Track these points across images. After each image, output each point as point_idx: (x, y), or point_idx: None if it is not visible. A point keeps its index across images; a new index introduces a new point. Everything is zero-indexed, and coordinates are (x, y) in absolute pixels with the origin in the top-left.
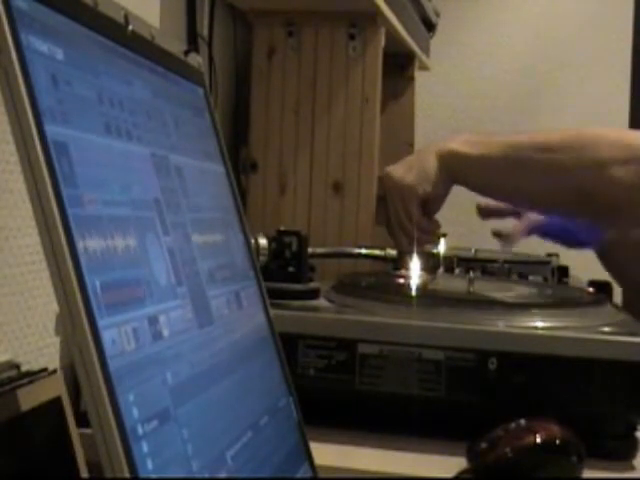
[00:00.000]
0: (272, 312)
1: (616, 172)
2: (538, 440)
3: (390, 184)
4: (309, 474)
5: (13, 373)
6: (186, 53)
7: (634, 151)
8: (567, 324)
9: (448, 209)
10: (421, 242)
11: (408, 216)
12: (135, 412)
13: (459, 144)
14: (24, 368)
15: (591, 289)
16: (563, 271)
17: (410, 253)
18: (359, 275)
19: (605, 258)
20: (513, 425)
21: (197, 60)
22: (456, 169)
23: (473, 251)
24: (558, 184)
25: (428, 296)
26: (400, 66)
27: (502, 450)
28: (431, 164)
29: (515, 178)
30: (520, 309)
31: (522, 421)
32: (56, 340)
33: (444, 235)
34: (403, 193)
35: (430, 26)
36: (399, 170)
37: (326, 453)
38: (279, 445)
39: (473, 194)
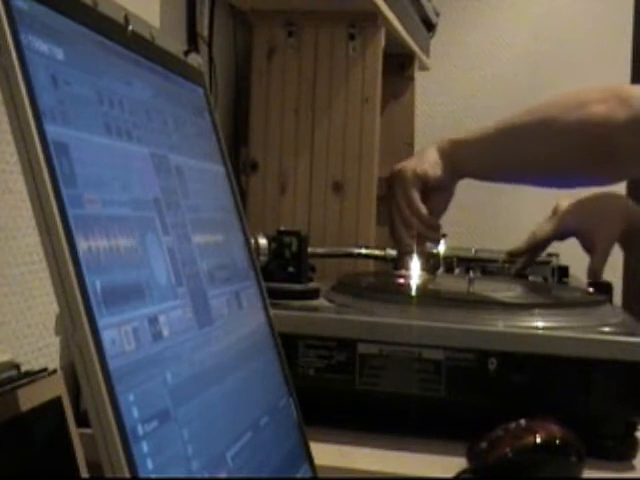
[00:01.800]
0: (272, 312)
1: (597, 108)
2: (538, 440)
3: (393, 174)
4: (309, 474)
5: (13, 373)
6: (186, 53)
7: (612, 91)
8: (567, 324)
9: (449, 209)
10: (421, 237)
11: (408, 201)
12: (135, 412)
13: (456, 135)
14: (24, 368)
15: (591, 289)
16: (563, 271)
17: (410, 251)
18: (359, 275)
19: (625, 245)
20: (513, 425)
21: (197, 60)
22: (455, 155)
23: (473, 251)
24: (551, 136)
25: (428, 296)
26: (400, 66)
27: (502, 450)
28: (430, 151)
29: (511, 147)
30: (520, 309)
31: (522, 421)
32: (56, 340)
33: (444, 235)
34: (402, 174)
35: (430, 26)
36: (403, 162)
37: (326, 453)
38: (279, 445)
39: (473, 194)
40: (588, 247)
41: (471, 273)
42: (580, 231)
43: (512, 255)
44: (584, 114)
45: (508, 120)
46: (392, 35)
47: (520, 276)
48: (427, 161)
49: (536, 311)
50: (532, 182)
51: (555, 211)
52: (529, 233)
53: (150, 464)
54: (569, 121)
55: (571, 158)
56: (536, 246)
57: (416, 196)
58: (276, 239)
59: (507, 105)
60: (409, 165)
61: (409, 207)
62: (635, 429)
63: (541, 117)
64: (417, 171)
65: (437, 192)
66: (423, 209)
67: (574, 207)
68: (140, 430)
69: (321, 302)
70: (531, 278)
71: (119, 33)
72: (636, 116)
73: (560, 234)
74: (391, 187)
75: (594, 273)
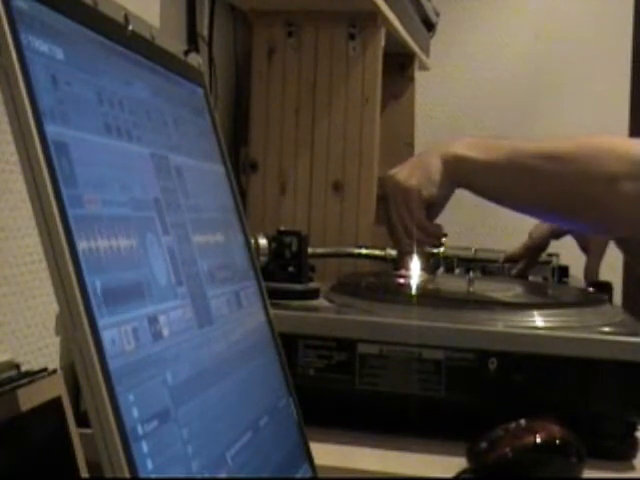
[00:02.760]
0: (272, 312)
1: (625, 187)
2: (538, 440)
3: (393, 186)
4: (309, 474)
5: (13, 373)
6: (186, 53)
7: None
8: (567, 324)
9: (448, 209)
10: (422, 243)
11: (412, 219)
12: (135, 412)
13: (463, 148)
14: (24, 368)
15: (591, 289)
16: (563, 271)
17: (410, 251)
18: (359, 275)
19: (621, 243)
20: (513, 425)
21: (197, 60)
22: (461, 174)
23: (473, 251)
24: (565, 195)
25: (428, 296)
26: (400, 66)
27: (502, 450)
28: (435, 168)
29: (520, 186)
30: (520, 309)
31: (522, 421)
32: (56, 340)
33: (444, 235)
34: (407, 195)
35: (430, 26)
36: (403, 172)
37: (326, 453)
38: (279, 445)
39: (473, 194)
40: (584, 246)
41: (471, 273)
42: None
43: (510, 260)
44: (610, 191)
45: (522, 154)
46: (392, 35)
47: (520, 276)
48: (432, 180)
49: (536, 311)
50: (532, 216)
51: None
52: (528, 234)
53: (150, 464)
54: (592, 191)
55: (586, 224)
56: (534, 248)
57: (422, 217)
58: (276, 239)
59: (507, 105)
60: (413, 182)
61: (414, 224)
62: (635, 429)
63: (559, 172)
64: (424, 194)
65: (437, 200)
66: (429, 226)
67: None
68: (140, 430)
69: (321, 302)
70: (531, 278)
71: (119, 33)
72: None
73: (556, 232)
74: (390, 197)
75: (590, 272)
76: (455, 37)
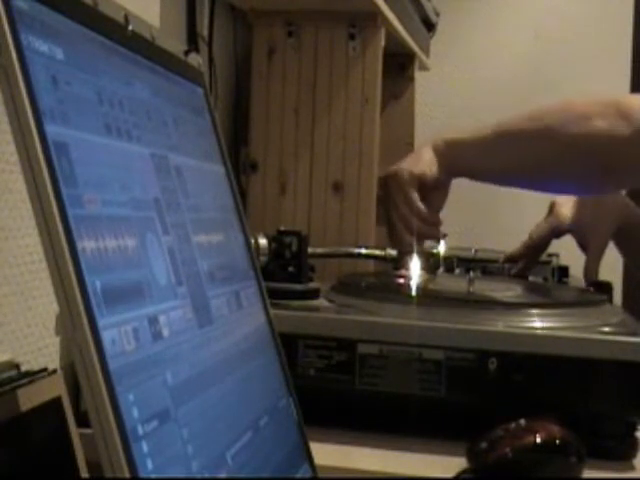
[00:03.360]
0: (272, 312)
1: (598, 123)
2: (538, 440)
3: (387, 174)
4: (309, 474)
5: (13, 373)
6: (186, 53)
7: (613, 105)
8: (567, 324)
9: (448, 209)
10: (422, 235)
11: (406, 201)
12: (135, 412)
13: (452, 134)
14: (24, 368)
15: (591, 289)
16: (563, 271)
17: (410, 251)
18: (359, 275)
19: (621, 244)
20: (513, 425)
21: (197, 60)
22: (451, 155)
23: (473, 251)
24: (551, 147)
25: (428, 296)
26: (400, 66)
27: (502, 450)
28: (425, 152)
29: (509, 152)
30: (520, 309)
31: (522, 421)
32: (56, 340)
33: (444, 235)
34: (399, 177)
35: (430, 26)
36: (396, 163)
37: (326, 453)
38: (279, 445)
39: (473, 194)
40: (583, 244)
41: (471, 273)
42: (575, 228)
43: (510, 259)
44: (585, 128)
45: (506, 124)
46: (392, 35)
47: (520, 276)
48: (423, 161)
49: (536, 311)
50: (526, 187)
51: (551, 209)
52: (528, 235)
53: (150, 464)
54: (569, 133)
55: (569, 169)
56: (534, 247)
57: (415, 196)
58: (276, 239)
59: (507, 105)
60: (405, 166)
61: (408, 207)
62: (635, 429)
63: (540, 126)
64: (414, 172)
65: (433, 191)
66: (422, 207)
67: (570, 204)
68: (140, 430)
69: (321, 302)
70: (531, 278)
71: (119, 33)
72: (636, 131)
73: (556, 231)
74: (386, 188)
75: (589, 271)
76: (455, 37)
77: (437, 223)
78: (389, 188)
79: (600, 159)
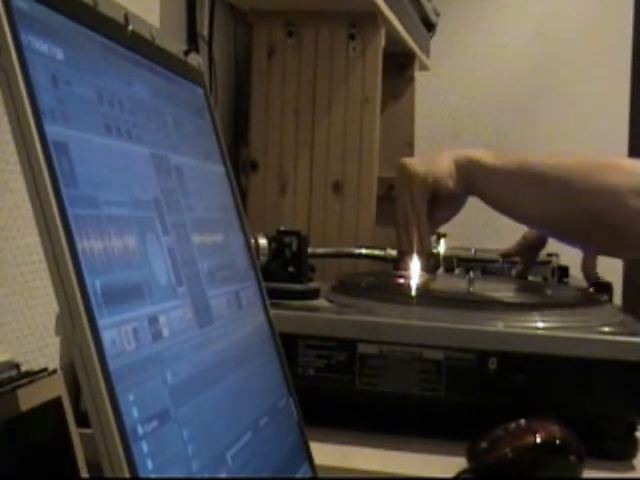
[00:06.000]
0: (272, 312)
1: (632, 201)
2: (538, 440)
3: (401, 170)
4: (309, 474)
5: (13, 373)
6: (186, 53)
7: None
8: (567, 324)
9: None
10: (410, 244)
11: (413, 206)
12: (135, 412)
13: (475, 153)
14: (24, 368)
15: (591, 289)
16: (563, 271)
17: (410, 251)
18: (359, 275)
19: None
20: (513, 425)
21: (197, 60)
22: (471, 176)
23: (473, 251)
24: (571, 206)
25: (428, 296)
26: (400, 66)
27: (502, 450)
28: (447, 163)
29: (528, 195)
30: (520, 309)
31: (522, 421)
32: (56, 340)
33: (444, 235)
34: (412, 179)
35: (430, 26)
36: (414, 160)
37: (326, 453)
38: (279, 445)
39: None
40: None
41: (471, 273)
42: None
43: (504, 256)
44: (616, 204)
45: (532, 161)
46: (392, 35)
47: (520, 276)
48: (441, 170)
49: (536, 311)
50: (539, 230)
51: None
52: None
53: (150, 464)
54: (598, 203)
55: (588, 238)
56: (528, 246)
57: (424, 205)
58: (276, 239)
59: (507, 105)
60: (420, 168)
61: (414, 212)
62: (635, 429)
63: (567, 183)
64: (428, 179)
65: (447, 201)
66: (424, 214)
67: None
68: (140, 430)
69: (321, 302)
70: (531, 278)
71: (119, 33)
72: None
73: None
74: (396, 184)
75: (588, 269)
76: (455, 37)
77: (427, 241)
78: (400, 185)
79: (632, 242)
